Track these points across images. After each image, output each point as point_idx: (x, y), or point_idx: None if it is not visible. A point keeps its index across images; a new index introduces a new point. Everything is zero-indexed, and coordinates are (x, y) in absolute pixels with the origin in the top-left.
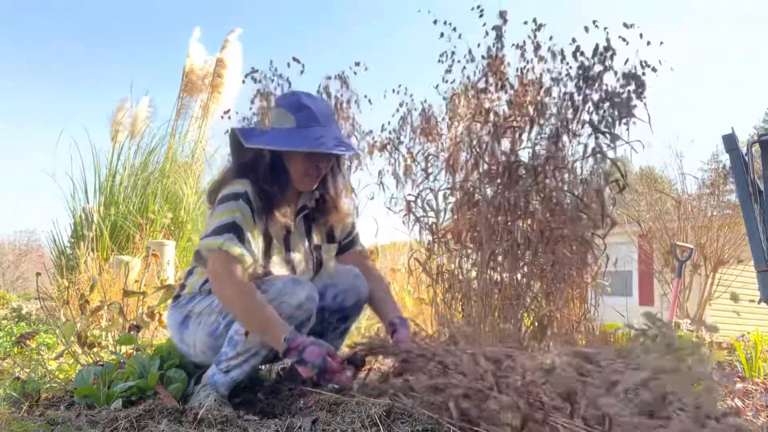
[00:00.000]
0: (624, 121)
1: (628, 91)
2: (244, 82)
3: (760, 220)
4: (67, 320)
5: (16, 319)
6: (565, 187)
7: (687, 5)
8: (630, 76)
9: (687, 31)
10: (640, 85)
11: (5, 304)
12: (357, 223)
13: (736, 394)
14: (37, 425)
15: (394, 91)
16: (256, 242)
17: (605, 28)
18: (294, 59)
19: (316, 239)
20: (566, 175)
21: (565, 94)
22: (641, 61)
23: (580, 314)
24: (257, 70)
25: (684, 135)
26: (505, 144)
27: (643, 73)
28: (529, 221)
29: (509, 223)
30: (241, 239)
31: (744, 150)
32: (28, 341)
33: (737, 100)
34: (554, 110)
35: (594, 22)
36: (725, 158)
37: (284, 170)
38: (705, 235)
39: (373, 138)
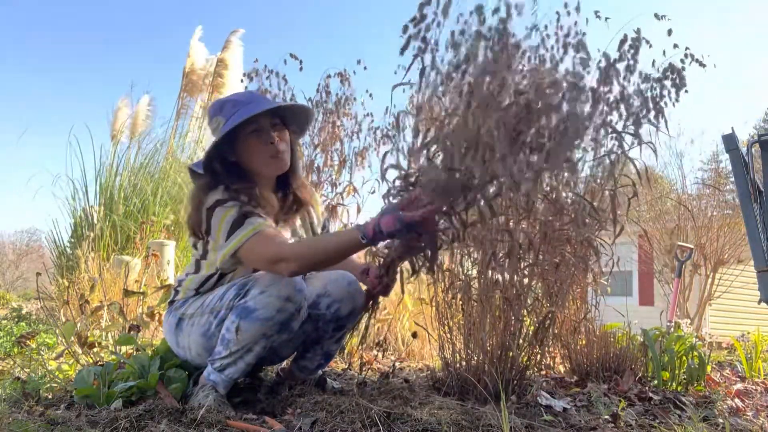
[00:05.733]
0: (655, 119)
1: (661, 87)
2: (242, 81)
3: (760, 220)
4: (67, 320)
5: (16, 319)
6: (569, 188)
7: (687, 4)
8: (671, 71)
9: (686, 31)
10: (681, 80)
11: (5, 304)
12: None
13: (736, 394)
14: (37, 425)
15: (395, 73)
16: None
17: (606, 19)
18: (292, 56)
19: (302, 235)
20: (573, 176)
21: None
22: (686, 53)
23: (580, 314)
24: (256, 70)
25: (684, 135)
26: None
27: (683, 68)
28: (531, 221)
29: (510, 224)
30: (260, 216)
31: (744, 150)
32: (28, 341)
33: (737, 100)
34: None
35: (596, 12)
36: (725, 158)
37: (246, 174)
38: (705, 235)
39: (373, 121)
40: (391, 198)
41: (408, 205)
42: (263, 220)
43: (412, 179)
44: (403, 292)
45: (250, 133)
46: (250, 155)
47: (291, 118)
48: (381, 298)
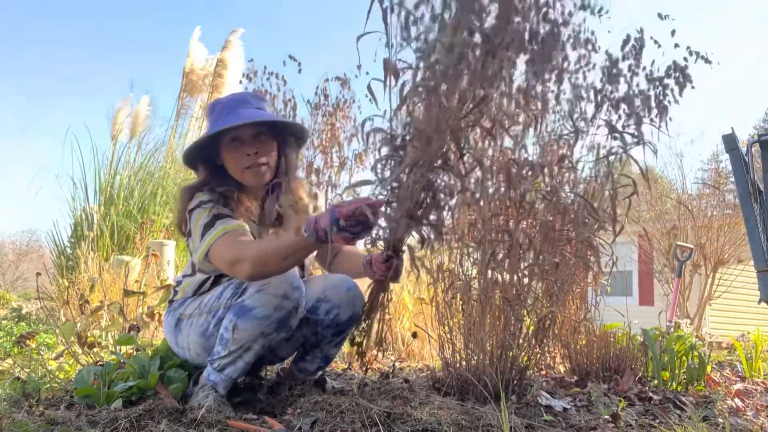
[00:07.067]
0: (657, 120)
1: (664, 87)
2: (240, 82)
3: (760, 220)
4: (67, 320)
5: (16, 319)
6: (569, 188)
7: (686, 3)
8: (674, 68)
9: (685, 29)
10: (686, 78)
11: (5, 304)
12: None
13: (736, 394)
14: (37, 425)
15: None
16: None
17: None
18: (290, 57)
19: None
20: (573, 176)
21: (583, 87)
22: (689, 50)
23: (580, 314)
24: (255, 72)
25: (684, 135)
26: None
27: (686, 66)
28: (530, 221)
29: (510, 224)
30: (233, 218)
31: (744, 150)
32: (28, 341)
33: (737, 100)
34: (566, 107)
35: (599, 10)
36: (725, 158)
37: (230, 177)
38: (705, 235)
39: (373, 123)
40: (379, 169)
41: (345, 204)
42: (234, 222)
43: (398, 141)
44: (413, 264)
45: (229, 142)
46: (228, 163)
47: (285, 128)
48: (383, 299)
